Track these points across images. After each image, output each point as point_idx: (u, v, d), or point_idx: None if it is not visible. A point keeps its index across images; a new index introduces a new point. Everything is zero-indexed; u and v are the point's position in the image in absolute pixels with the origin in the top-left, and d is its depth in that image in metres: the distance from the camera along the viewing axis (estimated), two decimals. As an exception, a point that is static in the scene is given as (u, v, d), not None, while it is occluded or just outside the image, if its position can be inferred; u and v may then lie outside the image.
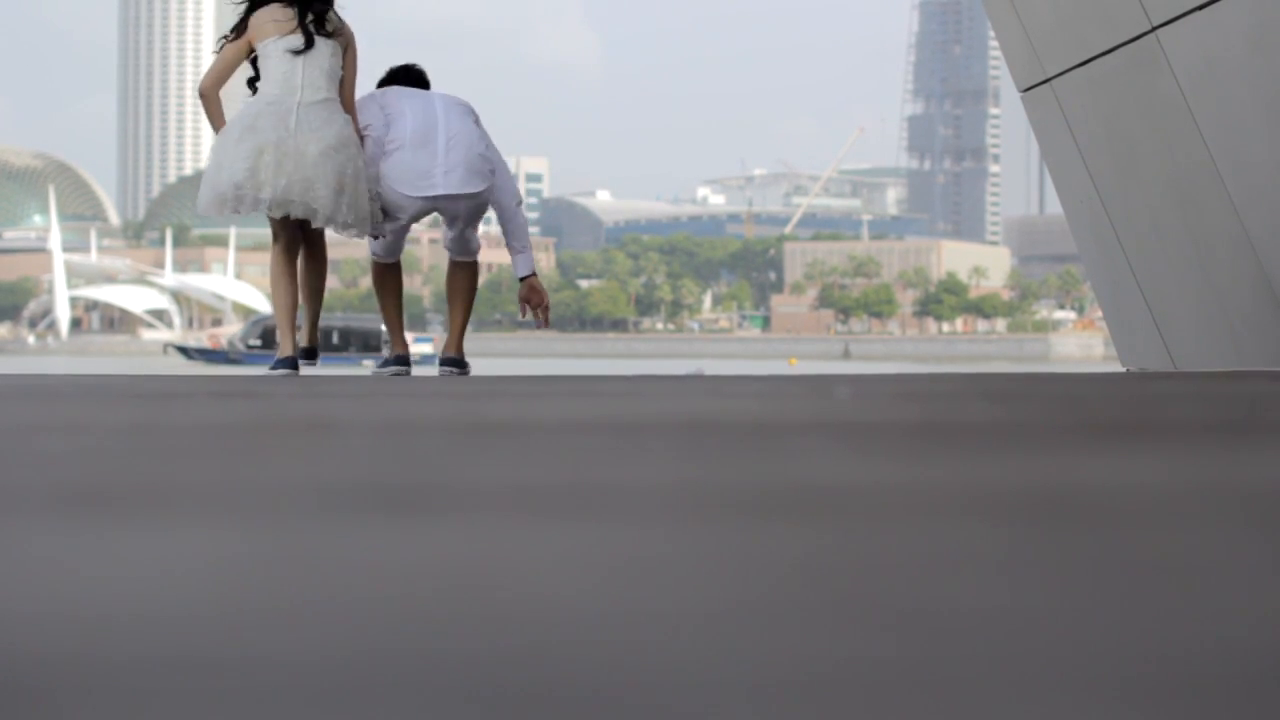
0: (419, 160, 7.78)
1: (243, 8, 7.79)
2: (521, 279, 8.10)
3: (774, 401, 4.82)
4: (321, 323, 8.18)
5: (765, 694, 0.85)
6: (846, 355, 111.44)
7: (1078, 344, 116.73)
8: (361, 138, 7.74)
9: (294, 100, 7.53)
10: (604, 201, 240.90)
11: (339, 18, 7.72)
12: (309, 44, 7.54)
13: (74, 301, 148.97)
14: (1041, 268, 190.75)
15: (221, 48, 7.89)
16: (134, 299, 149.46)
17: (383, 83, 8.17)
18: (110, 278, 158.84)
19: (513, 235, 8.12)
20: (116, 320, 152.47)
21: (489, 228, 10.10)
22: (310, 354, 7.89)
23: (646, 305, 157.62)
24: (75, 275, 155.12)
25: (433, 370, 8.73)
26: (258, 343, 68.91)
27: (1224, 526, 1.62)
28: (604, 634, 1.03)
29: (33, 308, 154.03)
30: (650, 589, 1.21)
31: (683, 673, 0.91)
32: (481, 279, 8.90)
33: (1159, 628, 1.04)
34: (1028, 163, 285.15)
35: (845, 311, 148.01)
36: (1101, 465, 2.41)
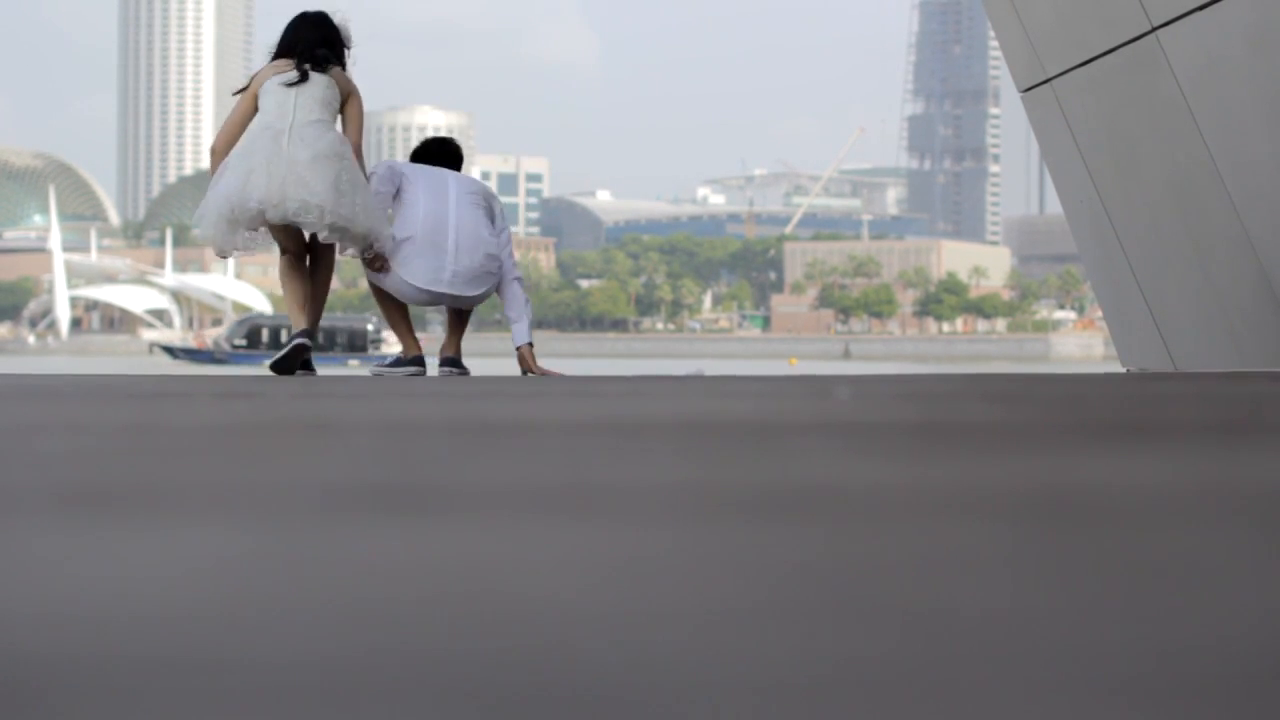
0: (428, 259, 7.95)
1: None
2: (518, 347, 8.14)
3: (774, 401, 4.82)
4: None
5: (765, 694, 0.85)
6: (846, 355, 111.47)
7: (1078, 344, 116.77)
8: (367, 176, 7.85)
9: (287, 123, 7.64)
10: (604, 201, 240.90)
11: (345, 77, 7.87)
12: (303, 77, 7.70)
13: (74, 301, 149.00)
14: (1041, 268, 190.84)
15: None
16: (134, 299, 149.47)
17: (415, 154, 8.26)
18: (110, 278, 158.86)
19: (509, 305, 8.18)
20: (117, 320, 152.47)
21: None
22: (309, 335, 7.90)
23: (646, 305, 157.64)
24: (75, 275, 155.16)
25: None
26: (243, 342, 68.78)
27: (1224, 526, 1.62)
28: (604, 634, 1.03)
29: (33, 308, 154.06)
30: (650, 589, 1.21)
31: (683, 673, 0.90)
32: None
33: (1159, 628, 1.04)
34: (1028, 163, 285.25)
35: (845, 311, 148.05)
36: (1101, 465, 2.41)
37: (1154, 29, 9.15)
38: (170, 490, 2.03)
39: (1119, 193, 10.32)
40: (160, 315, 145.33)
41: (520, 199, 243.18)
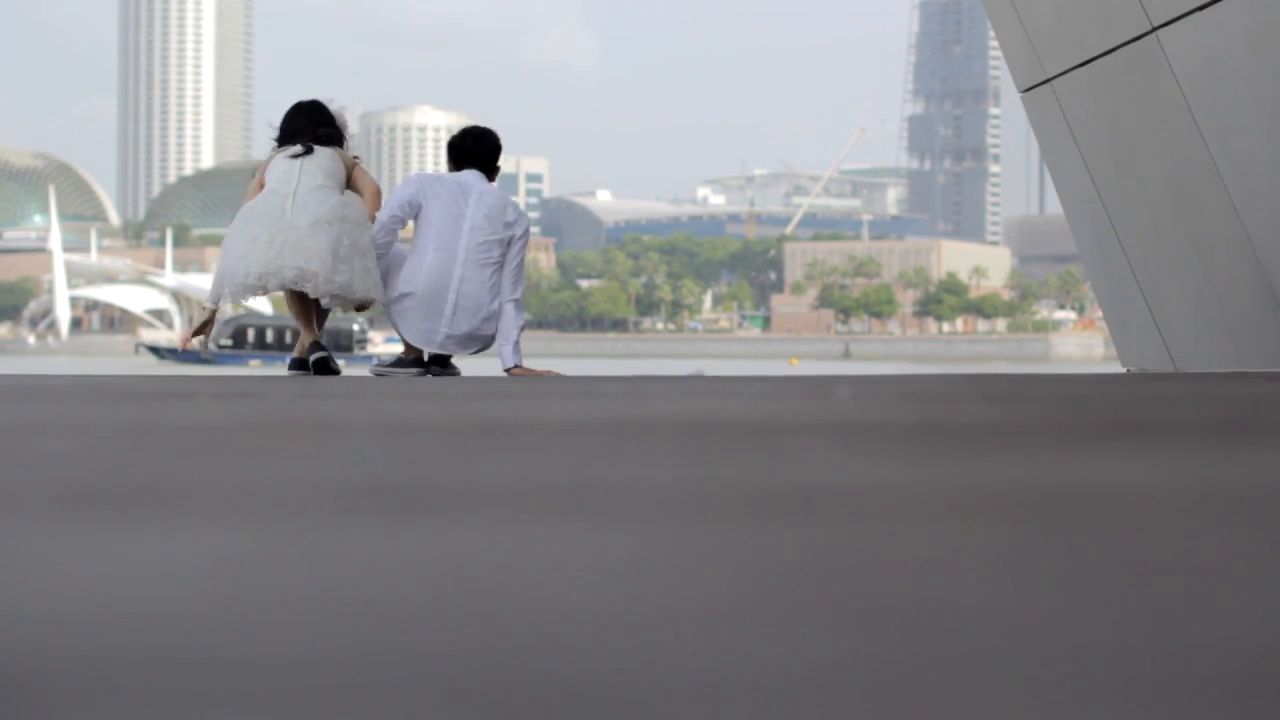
0: (423, 318, 8.00)
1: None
2: (506, 370, 8.10)
3: (774, 401, 4.82)
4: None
5: (766, 694, 0.85)
6: (847, 355, 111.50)
7: (1078, 344, 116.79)
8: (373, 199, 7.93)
9: (291, 188, 7.83)
10: (604, 201, 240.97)
11: (348, 155, 8.06)
12: (308, 150, 7.91)
13: (74, 301, 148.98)
14: (1041, 268, 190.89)
15: None
16: (134, 299, 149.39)
17: (452, 147, 8.19)
18: (110, 278, 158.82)
19: (501, 331, 8.09)
20: (117, 320, 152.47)
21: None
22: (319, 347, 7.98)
23: (646, 305, 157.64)
24: (75, 275, 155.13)
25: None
26: (229, 343, 68.63)
27: (1224, 526, 1.62)
28: (604, 634, 1.03)
29: (33, 308, 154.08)
30: (650, 589, 1.21)
31: (683, 673, 0.91)
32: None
33: (1159, 628, 1.04)
34: (1028, 163, 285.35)
35: (845, 311, 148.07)
36: (1101, 465, 2.41)
37: (1154, 29, 9.15)
38: (170, 490, 2.03)
39: (1119, 193, 10.32)
40: (160, 315, 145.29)
41: (520, 199, 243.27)
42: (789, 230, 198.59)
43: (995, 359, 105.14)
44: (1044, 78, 10.69)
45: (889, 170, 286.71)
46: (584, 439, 3.17)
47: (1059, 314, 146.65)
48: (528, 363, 8.12)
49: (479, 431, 3.36)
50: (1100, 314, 13.02)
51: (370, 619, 1.08)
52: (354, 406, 4.50)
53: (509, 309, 8.08)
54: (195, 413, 4.19)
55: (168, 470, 2.35)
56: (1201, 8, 8.69)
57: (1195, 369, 9.76)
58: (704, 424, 3.64)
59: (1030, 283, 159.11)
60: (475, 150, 8.19)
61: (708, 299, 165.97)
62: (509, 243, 8.11)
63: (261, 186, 7.94)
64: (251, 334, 69.47)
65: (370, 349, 65.15)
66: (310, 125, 8.03)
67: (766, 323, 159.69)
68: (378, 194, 8.09)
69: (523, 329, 8.15)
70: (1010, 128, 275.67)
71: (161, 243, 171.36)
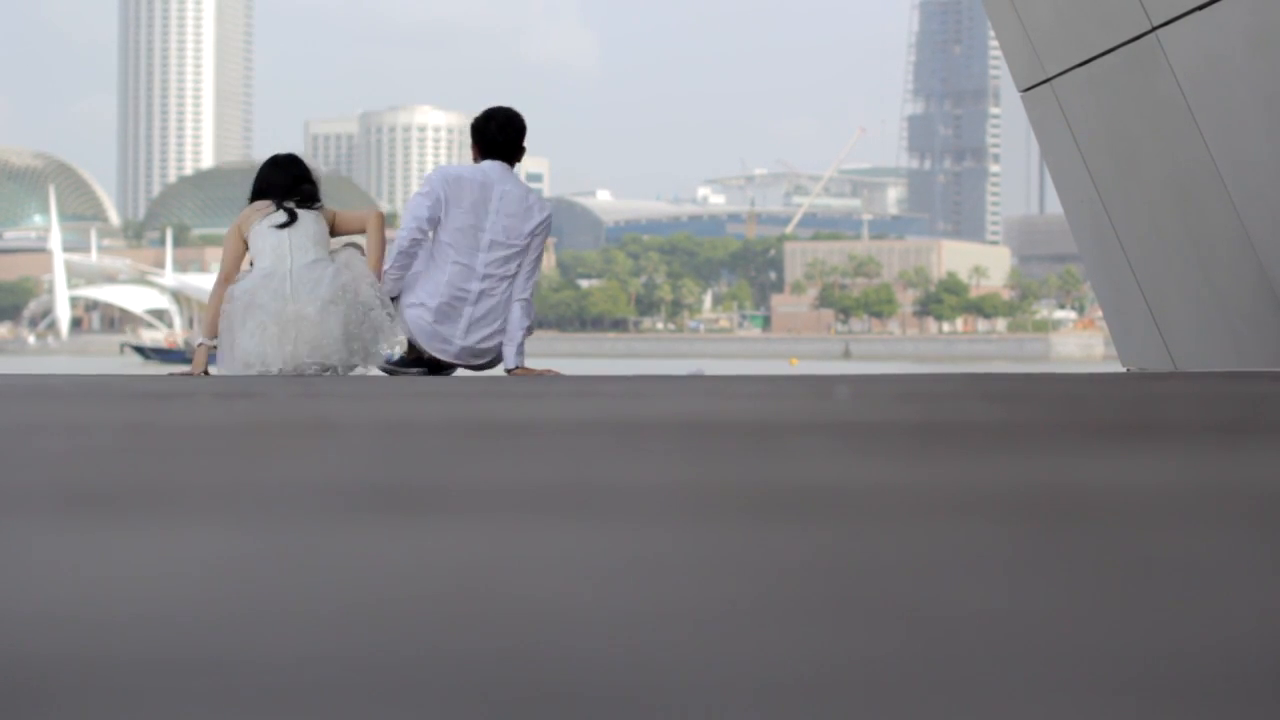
0: (440, 327, 7.99)
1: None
2: (508, 371, 8.06)
3: (774, 401, 4.82)
4: None
5: (766, 694, 0.85)
6: (847, 355, 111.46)
7: (1078, 344, 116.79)
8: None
9: (285, 268, 7.87)
10: (604, 201, 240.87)
11: (328, 209, 8.12)
12: (292, 218, 7.93)
13: (74, 301, 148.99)
14: (1041, 268, 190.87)
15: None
16: (134, 299, 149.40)
17: (476, 129, 8.12)
18: (110, 278, 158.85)
19: (506, 331, 8.07)
20: (117, 320, 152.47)
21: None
22: None
23: (647, 305, 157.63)
24: (75, 275, 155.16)
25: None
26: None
27: (1224, 526, 1.62)
28: (604, 634, 1.03)
29: (33, 307, 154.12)
30: (650, 589, 1.21)
31: (683, 673, 0.90)
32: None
33: (1159, 628, 1.04)
34: (1028, 163, 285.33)
35: (845, 311, 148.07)
36: (1101, 465, 2.41)
37: (1154, 29, 9.14)
38: (170, 490, 2.03)
39: (1119, 193, 10.32)
40: (160, 315, 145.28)
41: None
42: (789, 230, 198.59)
43: (995, 359, 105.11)
44: (1044, 77, 10.68)
45: (889, 170, 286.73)
46: (584, 439, 3.17)
47: (1059, 314, 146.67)
48: (528, 363, 8.10)
49: (479, 431, 3.36)
50: (1100, 314, 13.02)
51: (370, 619, 1.08)
52: (354, 406, 4.50)
53: (516, 308, 8.01)
54: (195, 413, 4.19)
55: (167, 470, 2.35)
56: (1201, 7, 8.69)
57: (1195, 369, 9.76)
58: (704, 424, 3.64)
59: (1030, 282, 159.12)
60: (501, 139, 8.07)
61: (708, 299, 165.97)
62: (526, 249, 8.09)
63: (244, 243, 7.96)
64: None
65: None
66: (288, 181, 8.04)
67: (766, 322, 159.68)
68: (380, 216, 8.15)
69: (529, 330, 8.08)
70: (1010, 127, 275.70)
71: (161, 242, 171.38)
